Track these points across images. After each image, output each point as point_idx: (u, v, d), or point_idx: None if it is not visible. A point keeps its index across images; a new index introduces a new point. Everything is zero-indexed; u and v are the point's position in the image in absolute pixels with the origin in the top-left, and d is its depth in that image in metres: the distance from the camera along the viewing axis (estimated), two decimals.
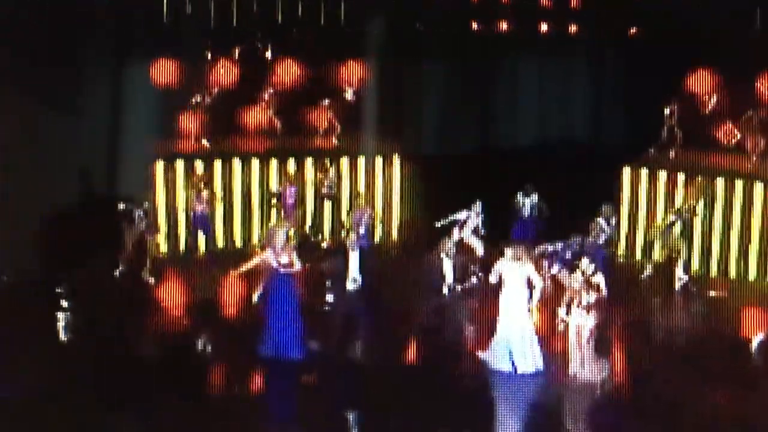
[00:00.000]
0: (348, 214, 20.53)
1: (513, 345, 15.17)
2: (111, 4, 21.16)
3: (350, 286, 17.02)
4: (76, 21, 20.32)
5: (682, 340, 17.30)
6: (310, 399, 14.60)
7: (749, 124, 20.97)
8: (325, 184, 21.57)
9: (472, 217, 19.27)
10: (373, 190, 22.10)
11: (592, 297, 14.93)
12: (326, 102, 22.52)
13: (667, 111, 21.75)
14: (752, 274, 19.95)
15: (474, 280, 18.27)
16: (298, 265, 15.52)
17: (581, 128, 26.66)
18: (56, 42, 19.71)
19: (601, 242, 18.39)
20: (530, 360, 15.26)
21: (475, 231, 19.35)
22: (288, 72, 22.68)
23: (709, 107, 21.68)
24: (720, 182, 20.29)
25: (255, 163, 21.37)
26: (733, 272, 20.17)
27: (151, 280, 18.87)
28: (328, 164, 21.67)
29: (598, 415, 14.48)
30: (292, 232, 19.23)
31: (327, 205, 21.76)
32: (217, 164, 21.14)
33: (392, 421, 13.72)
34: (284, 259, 15.36)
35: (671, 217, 19.62)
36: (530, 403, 14.98)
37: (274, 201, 21.07)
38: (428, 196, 21.33)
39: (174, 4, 22.38)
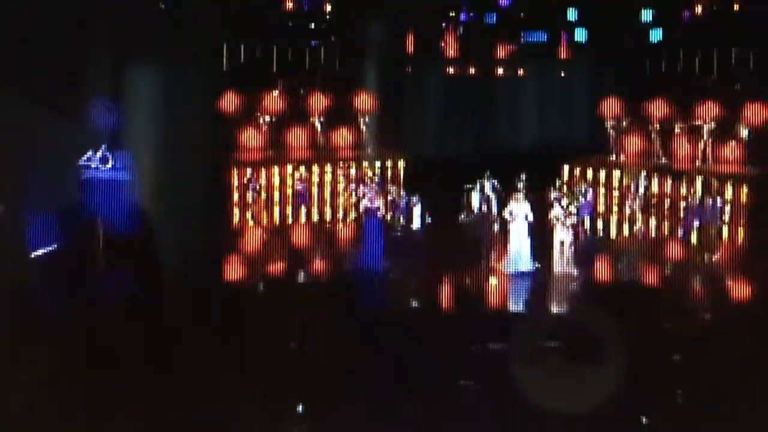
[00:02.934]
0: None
1: (521, 255, 23.87)
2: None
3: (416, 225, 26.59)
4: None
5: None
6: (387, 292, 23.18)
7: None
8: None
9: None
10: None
11: (569, 222, 23.74)
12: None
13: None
14: None
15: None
16: (382, 209, 25.14)
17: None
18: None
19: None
20: (530, 264, 24.01)
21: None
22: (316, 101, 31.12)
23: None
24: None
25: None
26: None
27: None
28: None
29: (576, 292, 23.40)
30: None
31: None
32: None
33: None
34: (375, 204, 24.86)
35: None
36: (531, 288, 23.78)
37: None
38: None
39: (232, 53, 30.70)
